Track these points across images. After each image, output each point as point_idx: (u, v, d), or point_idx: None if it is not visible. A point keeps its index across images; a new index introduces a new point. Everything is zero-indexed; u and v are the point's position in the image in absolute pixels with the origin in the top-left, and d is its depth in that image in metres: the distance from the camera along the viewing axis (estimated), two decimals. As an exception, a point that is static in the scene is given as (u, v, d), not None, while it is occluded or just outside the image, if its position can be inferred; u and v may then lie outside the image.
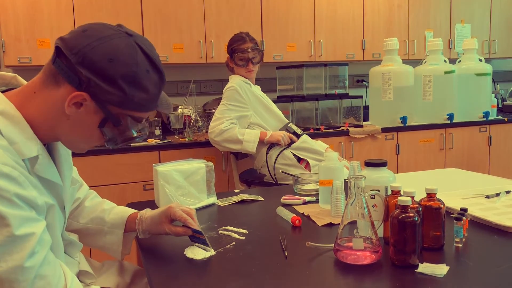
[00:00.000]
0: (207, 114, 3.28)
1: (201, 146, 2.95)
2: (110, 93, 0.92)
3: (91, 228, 1.30)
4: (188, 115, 3.17)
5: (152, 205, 1.65)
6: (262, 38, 3.45)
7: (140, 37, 0.98)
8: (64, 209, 1.07)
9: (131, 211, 1.32)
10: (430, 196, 1.17)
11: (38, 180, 0.94)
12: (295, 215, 1.42)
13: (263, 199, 1.72)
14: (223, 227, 1.38)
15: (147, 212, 1.29)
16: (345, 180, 1.46)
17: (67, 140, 1.01)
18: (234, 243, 1.25)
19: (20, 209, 0.84)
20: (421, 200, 1.18)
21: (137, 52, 0.94)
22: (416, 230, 1.04)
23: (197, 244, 1.22)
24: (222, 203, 1.67)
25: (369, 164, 1.25)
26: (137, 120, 0.99)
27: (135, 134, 1.00)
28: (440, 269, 1.01)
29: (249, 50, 2.63)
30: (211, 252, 1.17)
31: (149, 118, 1.07)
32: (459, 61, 3.74)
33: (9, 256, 0.82)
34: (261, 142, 2.57)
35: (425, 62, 3.61)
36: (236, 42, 2.66)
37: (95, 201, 1.34)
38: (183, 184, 1.61)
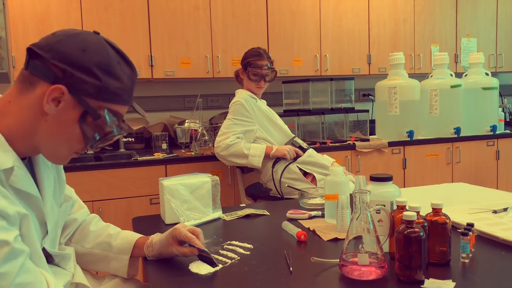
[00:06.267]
0: (213, 128, 3.30)
1: (208, 160, 2.96)
2: (86, 83, 0.94)
3: (96, 253, 1.28)
4: (194, 129, 3.19)
5: (158, 219, 1.66)
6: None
7: (106, 38, 1.02)
8: (45, 224, 1.05)
9: (137, 235, 1.31)
10: (436, 211, 1.17)
11: (12, 192, 0.94)
12: (300, 229, 1.41)
13: (268, 213, 1.71)
14: (228, 242, 1.38)
15: (156, 236, 1.27)
16: (350, 194, 1.46)
17: (46, 147, 1.00)
18: (239, 258, 1.25)
19: None
20: (426, 215, 1.17)
21: (106, 46, 0.99)
22: (422, 245, 1.03)
23: (204, 262, 1.20)
24: (227, 217, 1.67)
25: (374, 178, 1.25)
26: (115, 114, 1.00)
27: (114, 129, 1.01)
28: (446, 285, 1.00)
29: (265, 67, 2.65)
30: (216, 267, 1.17)
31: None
32: (466, 75, 3.74)
33: None
34: (267, 157, 2.58)
35: (431, 76, 3.61)
36: (253, 57, 2.68)
37: (99, 226, 1.32)
38: (189, 198, 1.62)
